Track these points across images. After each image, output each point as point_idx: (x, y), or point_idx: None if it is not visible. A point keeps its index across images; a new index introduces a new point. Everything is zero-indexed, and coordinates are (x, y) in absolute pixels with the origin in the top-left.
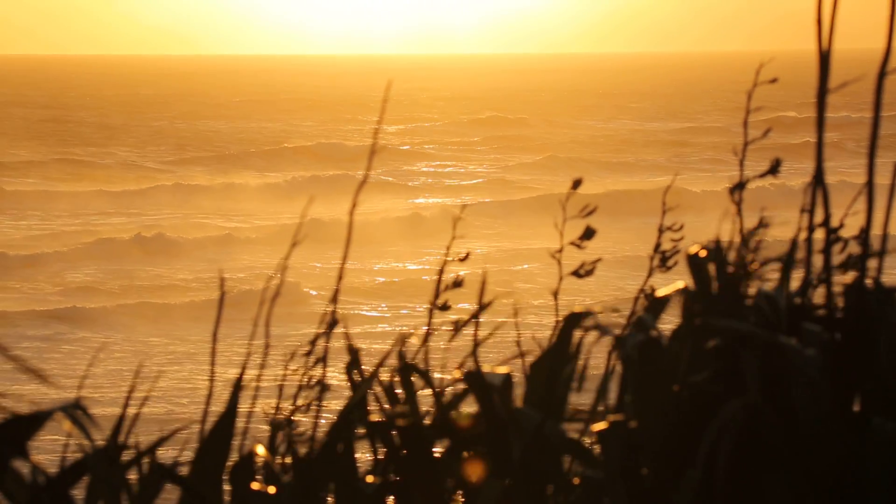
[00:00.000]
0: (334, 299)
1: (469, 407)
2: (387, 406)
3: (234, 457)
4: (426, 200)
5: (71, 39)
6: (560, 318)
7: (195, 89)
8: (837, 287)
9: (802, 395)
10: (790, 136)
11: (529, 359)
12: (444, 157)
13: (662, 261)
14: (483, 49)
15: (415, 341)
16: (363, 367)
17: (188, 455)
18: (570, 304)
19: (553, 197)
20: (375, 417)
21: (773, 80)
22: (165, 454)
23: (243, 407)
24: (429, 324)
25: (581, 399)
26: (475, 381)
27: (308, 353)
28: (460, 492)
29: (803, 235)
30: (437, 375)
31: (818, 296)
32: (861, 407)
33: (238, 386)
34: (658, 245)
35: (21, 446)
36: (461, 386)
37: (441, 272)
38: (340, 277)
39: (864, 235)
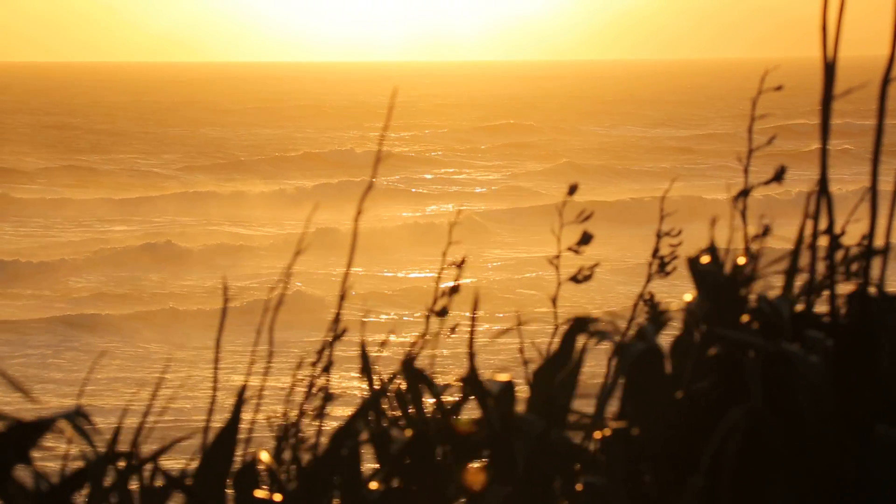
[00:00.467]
0: (340, 306)
1: (472, 413)
2: (392, 413)
3: (238, 464)
4: (439, 208)
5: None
6: (559, 325)
7: (200, 96)
8: (840, 294)
9: (806, 402)
10: (802, 143)
11: (532, 366)
12: (455, 164)
13: (661, 267)
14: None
15: (418, 348)
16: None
17: (192, 462)
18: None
19: (571, 204)
20: (380, 424)
21: (779, 88)
22: (169, 462)
23: (248, 414)
24: (426, 330)
25: (583, 406)
26: (477, 388)
27: (316, 362)
28: (464, 498)
29: (807, 242)
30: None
31: (821, 302)
32: (864, 413)
33: (242, 394)
34: (656, 251)
35: (24, 453)
36: (463, 393)
37: (439, 278)
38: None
39: (867, 242)
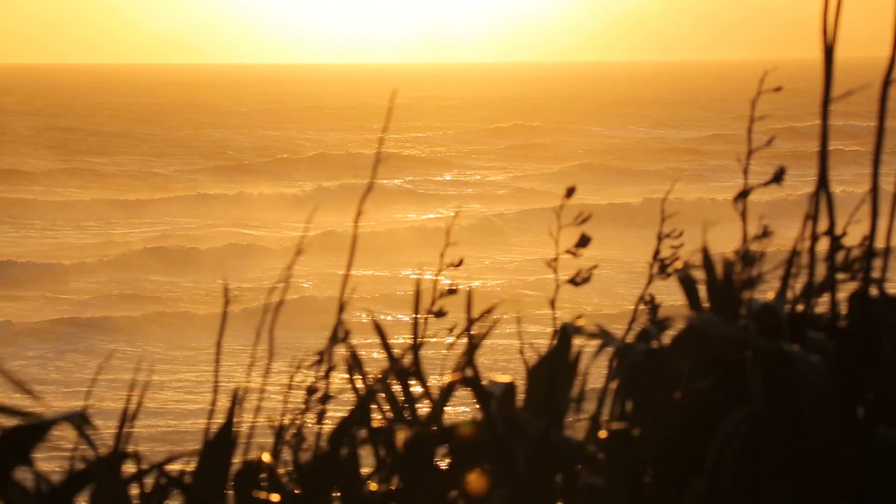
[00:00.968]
0: (341, 308)
1: (471, 414)
2: (389, 413)
3: (238, 465)
4: (454, 209)
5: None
6: (557, 327)
7: (202, 98)
8: (841, 295)
9: (807, 403)
10: (813, 145)
11: (529, 365)
12: (465, 166)
13: (662, 268)
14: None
15: (412, 349)
16: (366, 374)
17: (192, 463)
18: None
19: (589, 207)
20: (377, 424)
21: (778, 89)
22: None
23: (248, 415)
24: (424, 332)
25: (582, 407)
26: (476, 388)
27: (317, 363)
28: (463, 500)
29: (807, 243)
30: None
31: (822, 304)
32: (865, 415)
33: (236, 394)
34: (657, 252)
35: (25, 455)
36: (462, 393)
37: (436, 280)
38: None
39: (868, 243)
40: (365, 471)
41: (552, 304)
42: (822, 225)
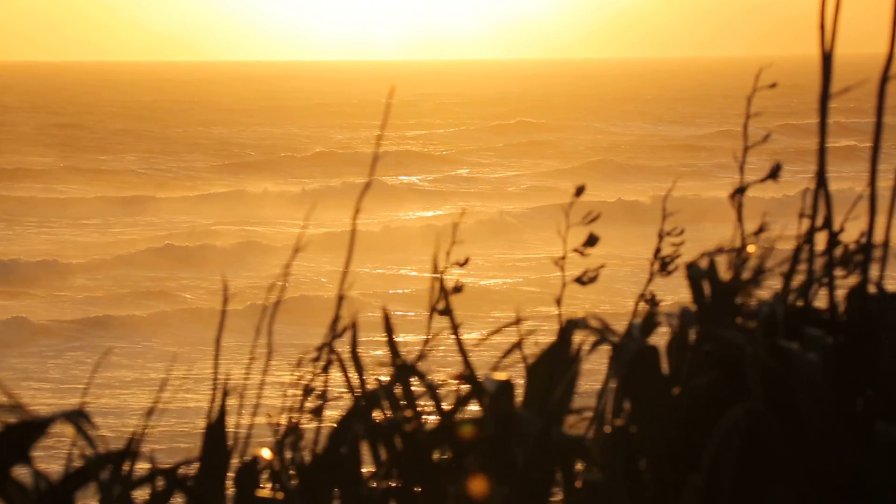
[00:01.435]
0: (339, 305)
1: (471, 412)
2: (389, 411)
3: (238, 462)
4: (467, 207)
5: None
6: (561, 325)
7: (204, 96)
8: (839, 291)
9: (805, 400)
10: (814, 140)
11: (528, 362)
12: (475, 163)
13: (662, 266)
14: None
15: (417, 346)
16: (367, 371)
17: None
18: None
19: (597, 204)
20: (377, 422)
21: (773, 85)
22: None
23: (247, 413)
24: (429, 329)
25: (581, 404)
26: (475, 386)
27: (315, 359)
28: (463, 497)
29: (805, 240)
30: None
31: (820, 300)
32: (863, 411)
33: (225, 389)
34: (658, 250)
35: (24, 453)
36: (463, 391)
37: (441, 277)
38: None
39: (866, 239)
40: (365, 468)
41: (558, 302)
42: (821, 221)
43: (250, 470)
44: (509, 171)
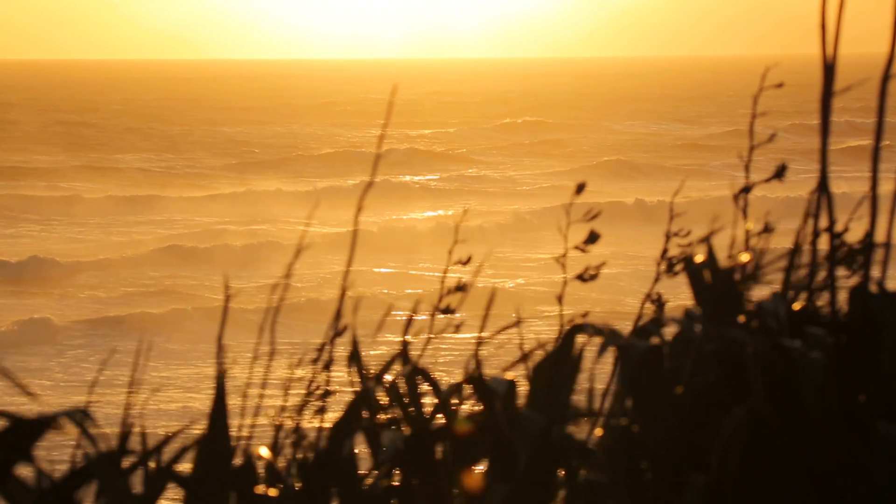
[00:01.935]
0: (340, 303)
1: (472, 411)
2: (391, 409)
3: (238, 460)
4: (485, 207)
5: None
6: (564, 324)
7: (209, 94)
8: (841, 291)
9: (807, 398)
10: (837, 140)
11: (533, 362)
12: (489, 162)
13: (669, 267)
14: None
15: (421, 345)
16: (368, 369)
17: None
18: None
19: (613, 204)
20: (378, 420)
21: (780, 85)
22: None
23: (249, 412)
24: (432, 327)
25: (584, 404)
26: (479, 385)
27: (316, 359)
28: (465, 495)
29: (808, 240)
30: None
31: (822, 299)
32: (865, 410)
33: (223, 385)
34: (665, 251)
35: (26, 451)
36: (466, 390)
37: (444, 276)
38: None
39: (867, 240)
40: (366, 467)
41: (559, 300)
42: (824, 222)
43: (251, 468)
44: (524, 170)
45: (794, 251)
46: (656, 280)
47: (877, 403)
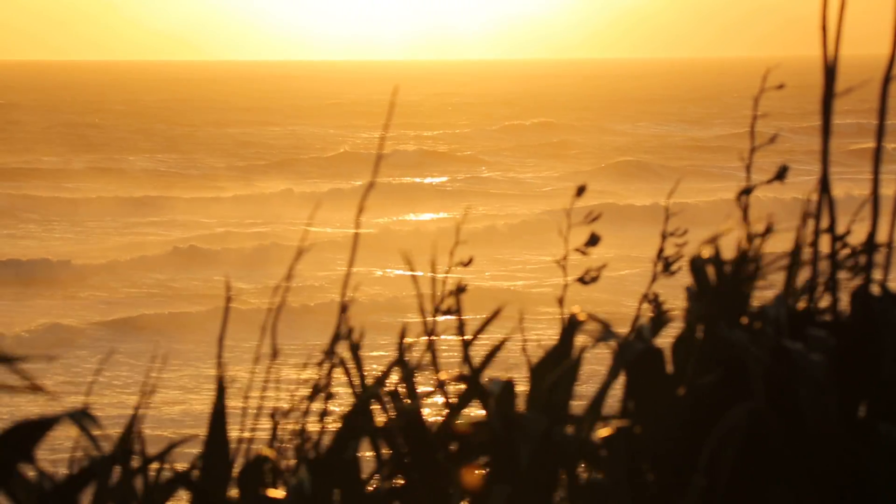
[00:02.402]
0: (344, 306)
1: (474, 412)
2: (392, 411)
3: (242, 461)
4: (503, 209)
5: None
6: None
7: (214, 95)
8: (843, 292)
9: (808, 400)
10: (848, 141)
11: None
12: (497, 164)
13: (666, 266)
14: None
15: (421, 346)
16: (370, 372)
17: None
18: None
19: (629, 207)
20: (380, 422)
21: (780, 86)
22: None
23: (252, 413)
24: (434, 329)
25: (584, 404)
26: (479, 386)
27: (321, 362)
28: (467, 496)
29: (809, 241)
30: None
31: (823, 301)
32: (867, 412)
33: (222, 386)
34: (661, 251)
35: (28, 452)
36: (465, 391)
37: (445, 278)
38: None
39: (869, 241)
40: (369, 468)
41: (560, 302)
42: (826, 223)
43: (254, 468)
44: (535, 171)
45: (796, 252)
46: (653, 280)
47: (878, 405)
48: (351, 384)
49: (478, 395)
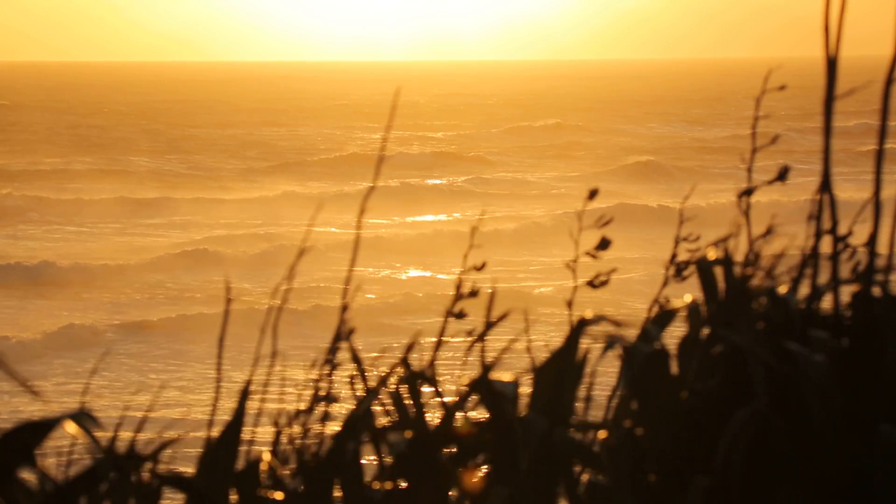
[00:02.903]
0: (345, 309)
1: (476, 415)
2: (394, 414)
3: (241, 463)
4: (522, 210)
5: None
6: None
7: (213, 96)
8: (845, 294)
9: (811, 402)
10: (856, 142)
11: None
12: (515, 165)
13: (677, 271)
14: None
15: (426, 349)
16: (371, 374)
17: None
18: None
19: (646, 209)
20: (382, 424)
21: (782, 88)
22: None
23: (252, 414)
24: (441, 332)
25: (588, 407)
26: (483, 389)
27: (324, 363)
28: (467, 499)
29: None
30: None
31: (825, 303)
32: (869, 413)
33: (246, 393)
34: (674, 256)
35: (29, 454)
36: (469, 393)
37: (459, 281)
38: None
39: (871, 243)
40: (369, 471)
41: (569, 304)
42: (828, 224)
43: (253, 471)
44: (547, 172)
45: (800, 254)
46: (664, 284)
47: (880, 407)
48: (352, 386)
49: (481, 397)
